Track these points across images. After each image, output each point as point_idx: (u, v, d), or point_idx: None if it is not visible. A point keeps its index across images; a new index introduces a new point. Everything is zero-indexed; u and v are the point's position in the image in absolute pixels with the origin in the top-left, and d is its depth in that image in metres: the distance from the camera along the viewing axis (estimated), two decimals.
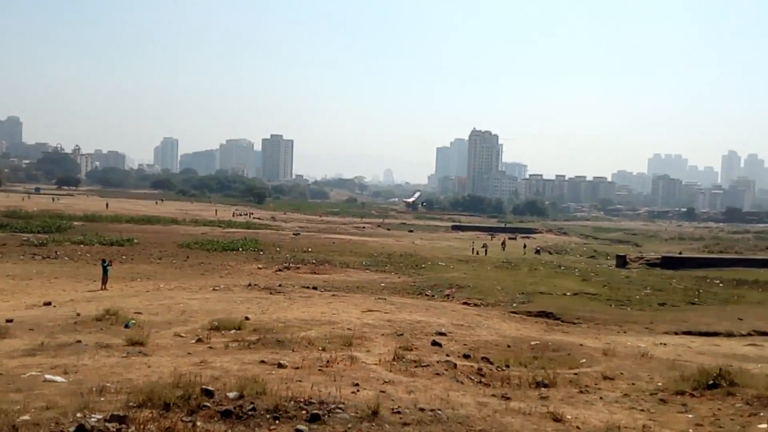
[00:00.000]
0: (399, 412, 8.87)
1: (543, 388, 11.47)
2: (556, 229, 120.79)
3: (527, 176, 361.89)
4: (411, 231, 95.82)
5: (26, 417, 7.47)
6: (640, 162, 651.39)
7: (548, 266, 48.18)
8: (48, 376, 9.87)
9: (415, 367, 12.50)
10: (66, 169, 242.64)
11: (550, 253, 68.42)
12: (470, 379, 12.00)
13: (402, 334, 17.19)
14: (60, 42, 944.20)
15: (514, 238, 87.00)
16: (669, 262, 50.68)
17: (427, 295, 30.94)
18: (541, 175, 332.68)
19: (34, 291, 26.74)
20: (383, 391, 10.14)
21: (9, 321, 17.05)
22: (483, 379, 12.04)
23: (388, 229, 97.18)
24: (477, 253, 59.29)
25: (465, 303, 28.24)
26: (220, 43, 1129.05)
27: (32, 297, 24.84)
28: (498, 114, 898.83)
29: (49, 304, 22.51)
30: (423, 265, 45.07)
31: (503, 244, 71.97)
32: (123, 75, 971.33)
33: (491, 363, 13.89)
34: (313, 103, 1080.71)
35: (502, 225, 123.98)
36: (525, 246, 71.23)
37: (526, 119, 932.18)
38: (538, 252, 66.23)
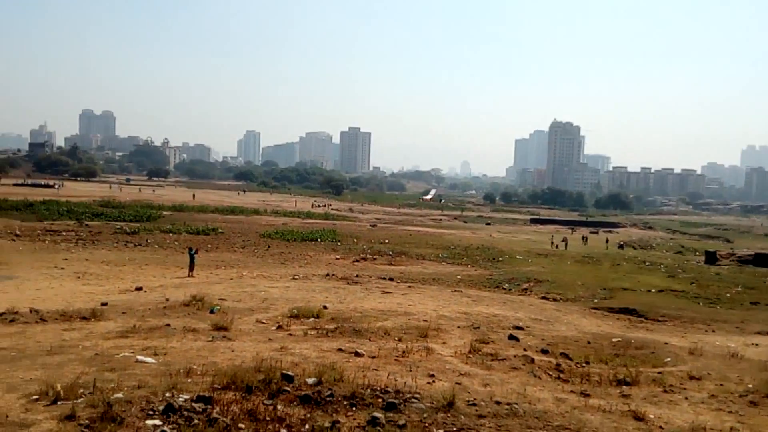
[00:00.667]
0: (475, 405, 8.85)
1: (624, 386, 11.17)
2: (641, 224, 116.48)
3: (610, 168, 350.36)
4: (488, 224, 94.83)
5: (119, 395, 7.92)
6: (733, 154, 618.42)
7: (632, 262, 46.62)
8: (140, 357, 10.42)
9: (492, 360, 12.42)
10: (156, 161, 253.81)
11: (635, 248, 66.08)
12: (548, 374, 11.81)
13: (478, 327, 17.10)
14: (150, 40, 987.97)
15: (596, 233, 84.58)
16: (763, 259, 47.91)
17: (504, 288, 30.60)
18: (626, 168, 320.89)
19: (126, 276, 28.20)
20: (459, 383, 10.14)
21: (104, 304, 18.11)
22: (561, 375, 11.82)
23: (465, 222, 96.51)
24: (556, 246, 58.04)
25: (543, 297, 27.76)
26: (300, 40, 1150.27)
27: (125, 282, 26.23)
28: (580, 104, 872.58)
29: (140, 289, 23.71)
30: (500, 259, 44.56)
31: (585, 238, 70.11)
32: (209, 71, 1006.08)
33: (570, 359, 13.61)
34: (391, 95, 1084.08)
35: (584, 219, 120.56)
36: (607, 240, 69.06)
37: (611, 109, 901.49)
38: (621, 247, 64.10)
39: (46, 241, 39.79)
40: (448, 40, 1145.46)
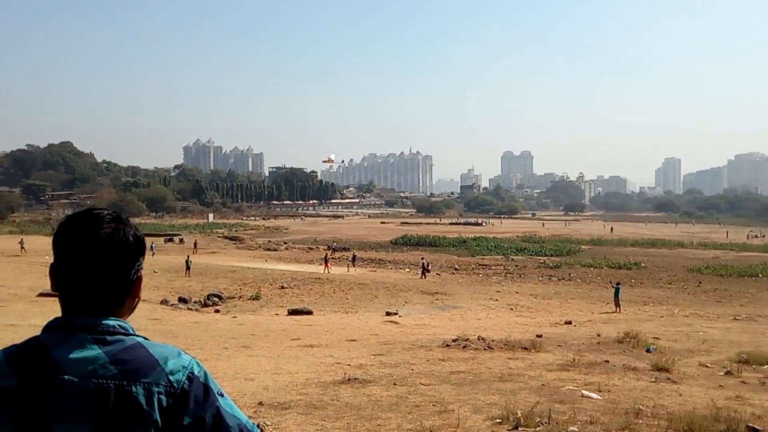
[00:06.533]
0: None
1: None
2: None
3: None
4: None
5: (574, 428, 8.08)
6: None
7: None
8: (584, 392, 10.51)
9: None
10: (571, 195, 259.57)
11: None
12: None
13: None
14: (536, 72, 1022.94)
15: None
16: None
17: None
18: None
19: (554, 310, 29.18)
20: None
21: (539, 336, 19.00)
22: None
23: None
24: None
25: None
26: (670, 53, 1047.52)
27: (553, 315, 27.14)
28: None
29: (569, 323, 24.21)
30: None
31: None
32: (638, 102, 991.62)
33: None
34: None
35: None
36: None
37: None
38: None
39: (480, 275, 43.94)
40: None
